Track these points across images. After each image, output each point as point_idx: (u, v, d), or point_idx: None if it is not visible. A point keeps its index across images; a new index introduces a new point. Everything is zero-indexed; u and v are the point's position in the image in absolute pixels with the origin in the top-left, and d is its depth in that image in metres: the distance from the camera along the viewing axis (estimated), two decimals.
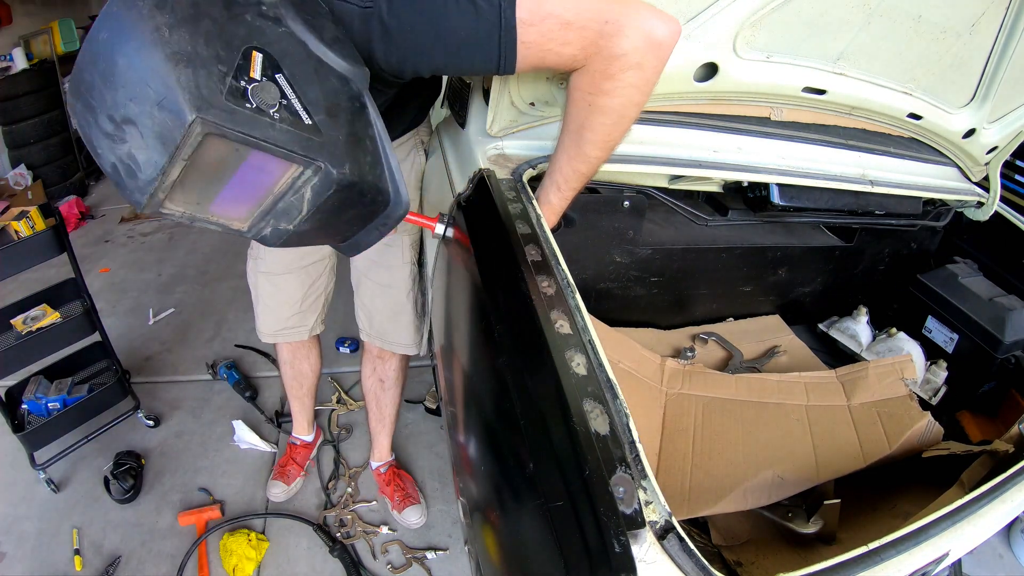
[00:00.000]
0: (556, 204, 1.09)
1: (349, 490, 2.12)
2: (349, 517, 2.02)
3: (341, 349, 2.80)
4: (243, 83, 0.68)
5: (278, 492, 2.04)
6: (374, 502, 2.08)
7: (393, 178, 0.87)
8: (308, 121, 0.73)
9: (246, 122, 0.68)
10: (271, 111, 0.70)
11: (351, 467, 2.22)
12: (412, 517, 2.02)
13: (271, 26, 0.71)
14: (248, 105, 0.68)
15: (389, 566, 1.88)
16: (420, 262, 1.70)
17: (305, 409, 2.11)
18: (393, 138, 1.29)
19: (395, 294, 1.66)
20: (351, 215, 0.89)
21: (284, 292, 1.70)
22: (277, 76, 0.71)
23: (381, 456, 2.11)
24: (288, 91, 0.72)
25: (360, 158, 0.81)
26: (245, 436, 2.23)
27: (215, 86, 0.66)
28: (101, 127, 0.66)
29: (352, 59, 0.81)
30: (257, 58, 0.69)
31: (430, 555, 1.91)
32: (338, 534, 1.97)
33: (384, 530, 1.99)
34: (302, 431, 2.16)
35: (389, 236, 1.07)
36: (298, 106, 0.73)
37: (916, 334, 1.69)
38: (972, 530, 0.93)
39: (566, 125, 0.98)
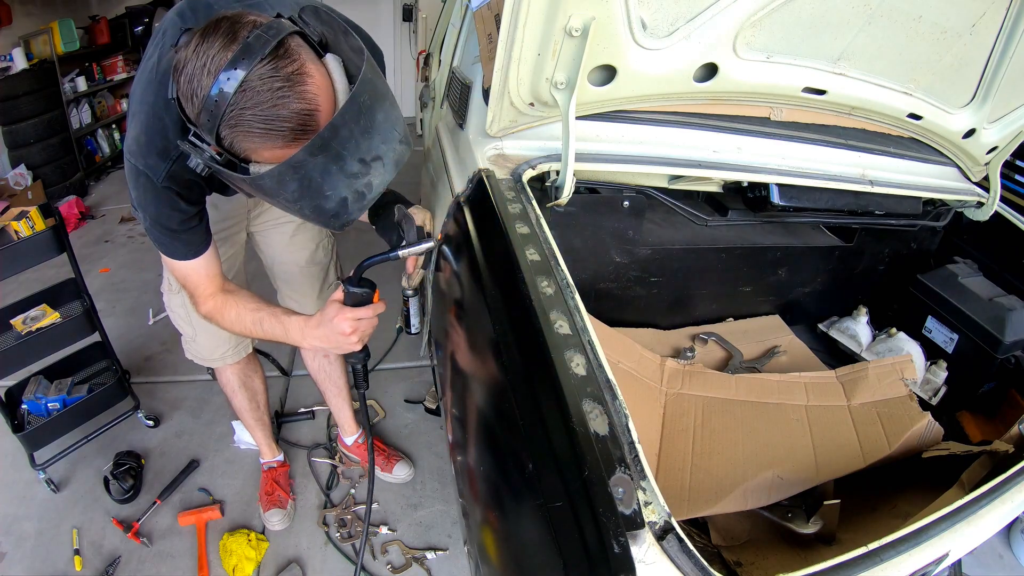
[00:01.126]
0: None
1: (353, 491, 2.12)
2: (349, 517, 2.02)
3: None
4: None
5: (276, 520, 1.98)
6: (375, 504, 2.08)
7: None
8: None
9: None
10: None
11: (351, 463, 2.22)
12: (401, 472, 2.15)
13: None
14: None
15: (389, 566, 1.88)
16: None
17: (267, 428, 2.04)
18: None
19: (315, 271, 1.80)
20: None
21: None
22: None
23: (353, 429, 2.20)
24: None
25: None
26: (245, 437, 2.23)
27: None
28: (347, 170, 0.83)
29: None
30: None
31: (430, 555, 1.91)
32: (338, 534, 1.97)
33: (384, 530, 1.98)
34: (271, 454, 2.11)
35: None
36: None
37: (916, 334, 1.69)
38: (972, 530, 0.93)
39: None
